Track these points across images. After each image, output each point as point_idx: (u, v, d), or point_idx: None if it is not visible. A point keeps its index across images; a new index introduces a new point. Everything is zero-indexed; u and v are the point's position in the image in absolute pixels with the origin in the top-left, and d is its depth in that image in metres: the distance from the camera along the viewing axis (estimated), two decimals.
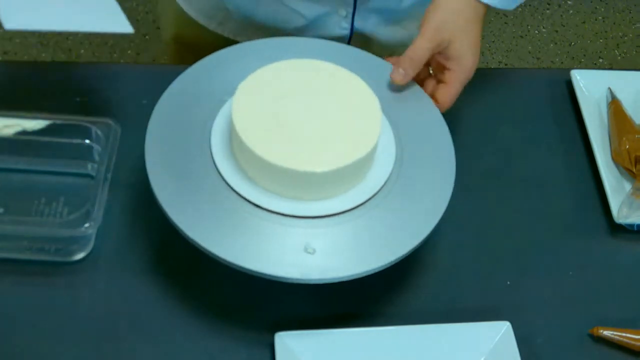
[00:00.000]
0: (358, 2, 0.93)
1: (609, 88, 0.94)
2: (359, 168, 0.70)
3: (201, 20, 1.02)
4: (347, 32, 0.96)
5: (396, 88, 0.80)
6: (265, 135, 0.69)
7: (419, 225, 0.69)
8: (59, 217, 0.75)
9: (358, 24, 0.95)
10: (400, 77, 0.78)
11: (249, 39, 0.98)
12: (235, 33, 1.01)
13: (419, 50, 0.78)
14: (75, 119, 0.77)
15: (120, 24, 0.62)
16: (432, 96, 0.80)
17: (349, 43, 0.98)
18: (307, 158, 0.68)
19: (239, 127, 0.68)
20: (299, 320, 0.71)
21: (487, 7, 0.81)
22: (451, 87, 0.79)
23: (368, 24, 0.97)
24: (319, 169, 0.67)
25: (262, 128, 0.69)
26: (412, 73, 0.79)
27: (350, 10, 0.94)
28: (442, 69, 0.80)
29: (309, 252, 0.66)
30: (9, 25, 0.56)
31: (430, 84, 0.82)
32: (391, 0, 0.95)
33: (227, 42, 1.02)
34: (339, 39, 0.91)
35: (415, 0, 0.96)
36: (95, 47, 2.03)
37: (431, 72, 0.83)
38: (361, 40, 0.98)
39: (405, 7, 0.97)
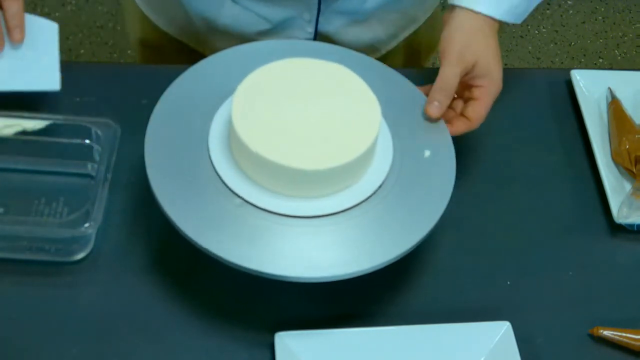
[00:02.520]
0: (322, 6, 0.93)
1: (609, 88, 0.94)
2: (357, 166, 0.70)
3: (162, 25, 1.01)
4: (311, 35, 0.96)
5: (396, 90, 0.80)
6: (263, 133, 0.69)
7: (419, 225, 0.69)
8: (59, 217, 0.75)
9: (322, 26, 0.95)
10: (436, 110, 0.77)
11: (211, 48, 0.98)
12: (198, 41, 1.01)
13: (449, 79, 0.77)
14: (75, 119, 0.77)
15: (50, 82, 0.71)
16: (462, 114, 0.79)
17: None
18: (305, 156, 0.68)
19: (238, 125, 0.69)
20: (299, 320, 0.71)
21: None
22: (483, 102, 0.78)
23: (332, 27, 0.96)
24: (316, 166, 0.67)
25: (261, 126, 0.69)
26: (446, 102, 0.77)
27: (315, 13, 0.94)
28: (468, 87, 0.79)
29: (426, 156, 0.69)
30: None
31: (459, 104, 0.80)
32: (354, 1, 0.94)
33: (191, 50, 1.02)
34: None
35: (378, 2, 0.96)
36: (95, 47, 2.03)
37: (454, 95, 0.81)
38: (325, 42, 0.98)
39: (368, 8, 0.96)
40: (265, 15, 0.93)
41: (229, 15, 0.94)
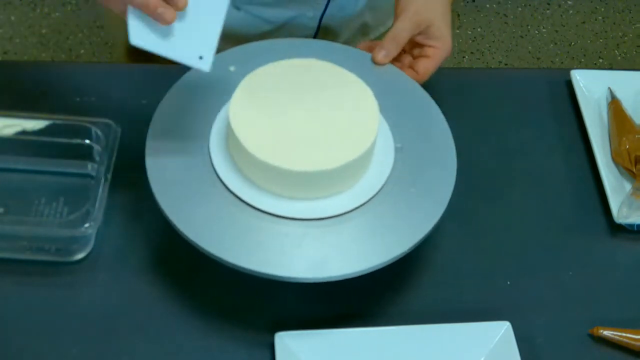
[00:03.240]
0: (330, 3, 0.94)
1: (609, 88, 0.94)
2: (356, 168, 0.70)
3: None
4: (313, 31, 0.97)
5: (396, 88, 0.80)
6: (261, 135, 0.69)
7: (419, 225, 0.69)
8: (59, 217, 0.75)
9: (323, 22, 0.96)
10: (383, 57, 0.81)
11: None
12: None
13: (401, 32, 0.80)
14: (75, 119, 0.77)
15: (203, 62, 0.67)
16: (411, 67, 0.82)
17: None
18: (304, 158, 0.68)
19: (236, 127, 0.69)
20: (299, 320, 0.71)
21: None
22: (433, 61, 0.82)
23: (330, 19, 0.98)
24: (315, 168, 0.67)
25: (259, 128, 0.69)
26: (394, 53, 0.81)
27: (320, 11, 0.94)
28: (420, 46, 0.83)
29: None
30: (134, 41, 0.62)
31: (407, 58, 0.84)
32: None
33: None
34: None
35: None
36: (95, 47, 2.03)
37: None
38: (322, 36, 0.98)
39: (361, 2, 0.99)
40: (268, 18, 0.93)
41: (228, 20, 0.94)
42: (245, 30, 0.95)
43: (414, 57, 0.84)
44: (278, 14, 0.93)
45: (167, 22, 0.64)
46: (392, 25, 0.81)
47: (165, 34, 0.64)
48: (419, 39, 0.82)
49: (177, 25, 0.65)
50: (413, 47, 0.84)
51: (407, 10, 0.81)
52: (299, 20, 0.94)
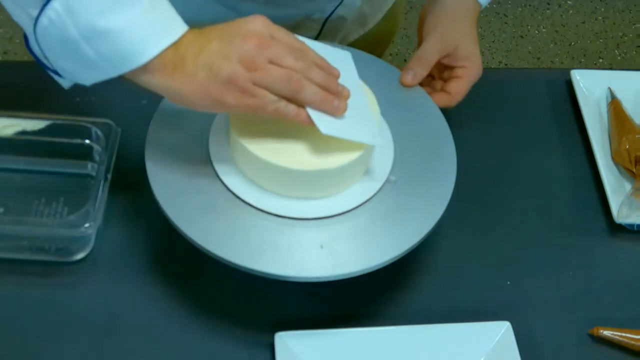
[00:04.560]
0: (340, 6, 0.94)
1: (609, 88, 0.94)
2: (356, 167, 0.70)
3: None
4: (317, 31, 0.97)
5: (396, 88, 0.80)
6: (262, 134, 0.69)
7: (419, 225, 0.69)
8: (59, 217, 0.75)
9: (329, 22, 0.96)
10: (410, 78, 0.80)
11: None
12: None
13: (429, 53, 0.80)
14: (75, 119, 0.77)
15: (377, 139, 0.70)
16: (443, 90, 0.81)
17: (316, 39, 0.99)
18: (304, 157, 0.68)
19: (236, 126, 0.69)
20: (299, 320, 0.71)
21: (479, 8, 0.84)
22: (465, 80, 0.81)
23: (333, 19, 0.97)
24: (315, 168, 0.67)
25: (260, 127, 0.69)
26: (422, 74, 0.80)
27: (326, 15, 0.94)
28: (450, 68, 0.82)
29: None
30: (326, 131, 0.65)
31: (438, 83, 0.83)
32: None
33: None
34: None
35: None
36: None
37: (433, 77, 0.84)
38: (325, 34, 0.98)
39: None
40: (272, 19, 0.93)
41: (230, 19, 0.94)
42: None
43: (445, 81, 0.83)
44: (280, 16, 0.93)
45: (342, 113, 0.66)
46: (419, 46, 0.81)
47: (341, 121, 0.67)
48: (447, 61, 0.82)
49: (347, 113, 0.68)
50: (442, 71, 0.83)
51: (435, 31, 0.80)
52: (304, 24, 0.94)
